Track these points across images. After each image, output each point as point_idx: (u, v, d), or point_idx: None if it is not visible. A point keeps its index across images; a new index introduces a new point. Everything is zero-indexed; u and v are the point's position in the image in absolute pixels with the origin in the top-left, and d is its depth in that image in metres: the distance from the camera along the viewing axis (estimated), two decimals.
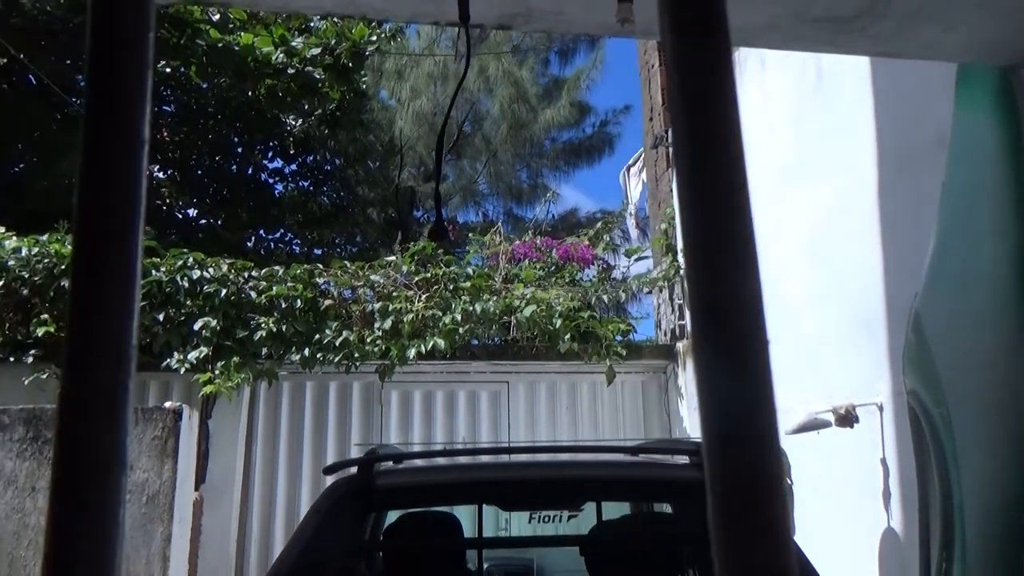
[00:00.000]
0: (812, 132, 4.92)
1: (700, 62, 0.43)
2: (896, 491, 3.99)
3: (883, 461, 4.06)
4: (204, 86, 10.85)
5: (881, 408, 4.06)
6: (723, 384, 0.39)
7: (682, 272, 7.02)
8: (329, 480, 2.67)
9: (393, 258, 6.94)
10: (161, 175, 12.11)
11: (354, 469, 2.53)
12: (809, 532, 4.59)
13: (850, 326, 4.37)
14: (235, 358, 5.94)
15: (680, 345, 6.90)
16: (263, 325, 6.07)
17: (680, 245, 6.90)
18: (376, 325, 6.26)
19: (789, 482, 4.94)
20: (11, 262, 5.98)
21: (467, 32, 1.44)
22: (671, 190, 7.36)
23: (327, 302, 6.36)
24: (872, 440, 4.11)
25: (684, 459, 2.70)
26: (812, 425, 4.29)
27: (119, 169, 0.40)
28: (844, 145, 4.52)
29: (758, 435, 0.38)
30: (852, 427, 4.20)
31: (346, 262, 6.89)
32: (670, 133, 7.36)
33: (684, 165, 0.41)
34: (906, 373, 2.65)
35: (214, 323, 6.00)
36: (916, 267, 2.51)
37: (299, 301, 6.28)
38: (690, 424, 6.58)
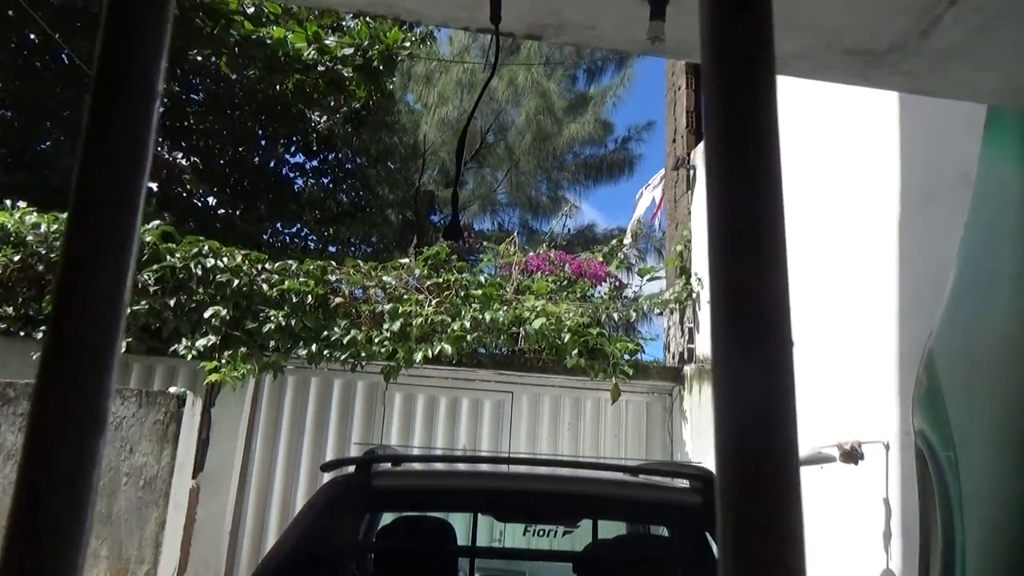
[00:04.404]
0: (835, 163, 4.89)
1: (744, 84, 0.42)
2: (897, 532, 3.93)
3: (886, 501, 4.01)
4: (233, 77, 10.96)
5: (887, 447, 4.01)
6: (744, 379, 0.38)
7: (695, 295, 6.98)
8: (326, 477, 2.66)
9: (407, 260, 6.95)
10: (184, 162, 12.21)
11: (352, 468, 2.52)
12: (807, 568, 4.54)
13: (861, 361, 4.33)
14: (242, 348, 5.96)
15: (688, 368, 6.86)
16: (272, 318, 6.09)
17: (695, 268, 6.86)
18: (385, 326, 6.27)
19: None
20: (29, 237, 6.04)
21: (496, 35, 1.44)
22: (689, 212, 7.33)
23: (337, 300, 6.38)
24: (876, 479, 4.06)
25: (684, 483, 2.67)
26: (816, 459, 4.24)
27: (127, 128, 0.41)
28: (866, 179, 4.50)
29: (778, 435, 0.38)
30: (857, 464, 4.15)
31: (359, 261, 6.91)
32: (692, 154, 7.34)
33: (715, 178, 0.41)
34: (915, 413, 2.61)
35: (224, 312, 6.02)
36: (932, 306, 2.48)
37: (310, 297, 6.31)
38: (692, 448, 6.53)
